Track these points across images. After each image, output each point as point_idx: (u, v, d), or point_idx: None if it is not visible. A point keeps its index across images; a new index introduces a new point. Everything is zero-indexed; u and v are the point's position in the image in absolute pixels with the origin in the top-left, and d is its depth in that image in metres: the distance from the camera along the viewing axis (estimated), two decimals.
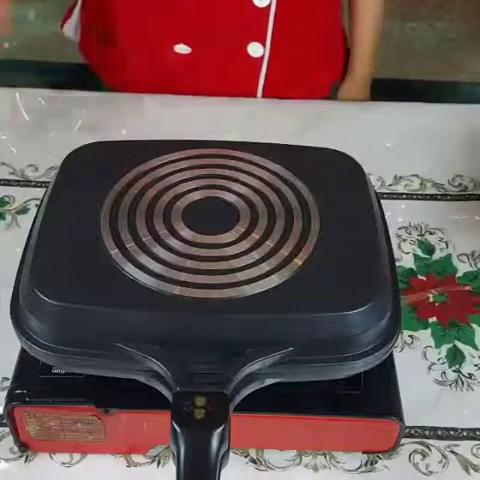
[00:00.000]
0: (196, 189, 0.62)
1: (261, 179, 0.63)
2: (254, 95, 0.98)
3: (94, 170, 0.63)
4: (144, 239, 0.57)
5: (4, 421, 0.59)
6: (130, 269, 0.54)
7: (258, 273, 0.55)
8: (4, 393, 0.58)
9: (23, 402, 0.57)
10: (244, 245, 0.57)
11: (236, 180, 0.62)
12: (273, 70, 0.96)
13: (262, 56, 0.93)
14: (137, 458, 0.61)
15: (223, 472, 0.48)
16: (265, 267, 0.55)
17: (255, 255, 0.56)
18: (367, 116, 0.94)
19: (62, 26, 1.05)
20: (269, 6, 0.89)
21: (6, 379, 0.64)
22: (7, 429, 0.60)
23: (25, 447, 0.61)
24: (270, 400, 0.56)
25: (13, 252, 0.60)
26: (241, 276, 0.54)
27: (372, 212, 0.61)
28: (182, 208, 0.60)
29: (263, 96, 0.98)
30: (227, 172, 0.63)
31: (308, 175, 0.63)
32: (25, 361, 0.58)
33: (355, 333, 0.53)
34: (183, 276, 0.54)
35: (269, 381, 0.54)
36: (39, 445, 0.61)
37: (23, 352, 0.58)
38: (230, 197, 0.61)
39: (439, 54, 2.21)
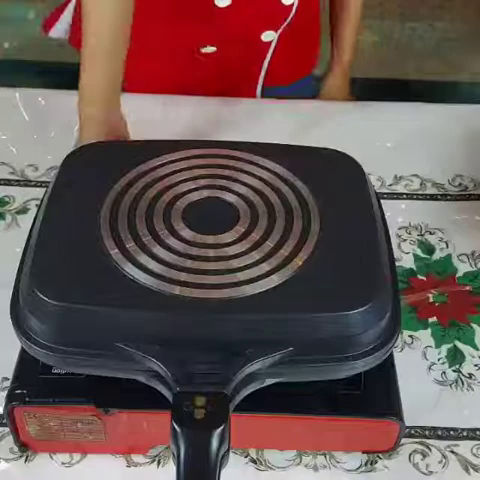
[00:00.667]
0: (196, 189, 0.62)
1: (261, 179, 0.63)
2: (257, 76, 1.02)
3: (94, 170, 0.63)
4: (144, 239, 0.57)
5: (4, 421, 0.59)
6: (130, 269, 0.54)
7: (258, 273, 0.55)
8: (4, 393, 0.58)
9: (23, 402, 0.57)
10: (244, 245, 0.57)
11: (236, 180, 0.62)
12: (279, 51, 1.00)
13: (271, 41, 0.98)
14: (137, 458, 0.61)
15: (223, 472, 0.48)
16: (265, 267, 0.55)
17: (255, 255, 0.56)
18: (367, 116, 0.94)
19: (46, 31, 1.06)
20: (293, 3, 0.94)
21: (6, 379, 0.64)
22: (7, 429, 0.60)
23: (25, 447, 0.61)
24: (270, 400, 0.56)
25: (13, 252, 0.60)
26: (241, 276, 0.54)
27: (372, 212, 0.61)
28: (182, 208, 0.60)
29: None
30: (227, 172, 0.63)
31: (308, 175, 0.63)
32: (25, 361, 0.58)
33: (355, 333, 0.53)
34: (183, 276, 0.54)
35: (269, 381, 0.54)
36: (39, 445, 0.61)
37: (23, 352, 0.58)
38: (230, 197, 0.61)
39: (439, 54, 2.20)
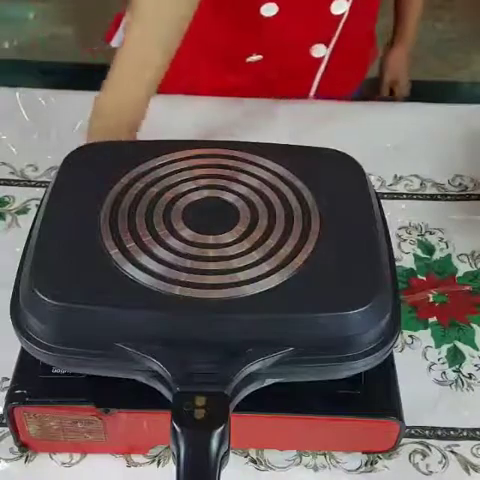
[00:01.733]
0: (196, 189, 0.62)
1: (261, 179, 0.63)
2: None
3: (94, 170, 0.63)
4: (144, 239, 0.57)
5: (4, 421, 0.59)
6: (130, 269, 0.54)
7: (258, 273, 0.55)
8: (4, 393, 0.58)
9: (23, 402, 0.57)
10: (244, 245, 0.57)
11: (236, 180, 0.62)
12: (332, 68, 1.01)
13: (323, 56, 0.99)
14: (137, 458, 0.61)
15: (223, 472, 0.48)
16: (265, 267, 0.55)
17: (255, 255, 0.56)
18: (367, 116, 0.94)
19: (108, 40, 1.05)
20: (343, 14, 0.94)
21: (6, 379, 0.64)
22: (7, 429, 0.60)
23: (25, 447, 0.61)
24: (270, 400, 0.56)
25: (13, 252, 0.60)
26: (241, 276, 0.54)
27: (372, 212, 0.61)
28: (182, 208, 0.60)
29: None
30: (227, 172, 0.63)
31: (308, 175, 0.63)
32: (25, 361, 0.58)
33: (355, 333, 0.53)
34: (183, 276, 0.54)
35: (269, 381, 0.54)
36: (39, 445, 0.61)
37: (23, 352, 0.58)
38: (230, 197, 0.61)
39: (439, 54, 2.21)
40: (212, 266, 0.55)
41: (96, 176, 0.62)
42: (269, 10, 0.91)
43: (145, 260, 0.55)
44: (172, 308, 0.53)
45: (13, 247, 0.62)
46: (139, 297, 0.53)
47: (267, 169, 0.63)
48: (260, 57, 0.96)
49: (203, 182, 0.62)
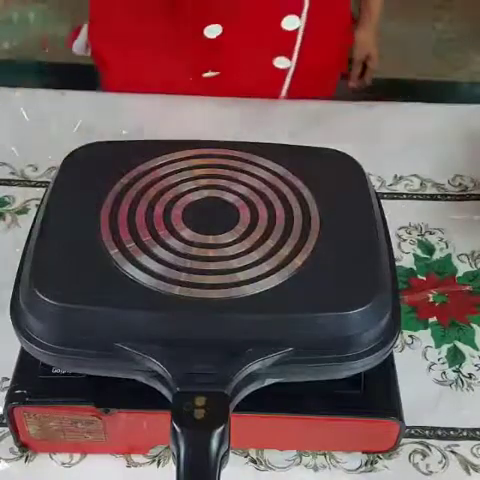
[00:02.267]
0: (196, 189, 0.62)
1: (261, 179, 0.63)
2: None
3: (94, 170, 0.63)
4: (144, 239, 0.57)
5: (4, 421, 0.59)
6: (130, 269, 0.54)
7: (258, 273, 0.55)
8: (4, 393, 0.58)
9: (23, 402, 0.57)
10: (244, 245, 0.57)
11: (236, 180, 0.62)
12: (299, 77, 1.00)
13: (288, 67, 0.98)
14: (137, 458, 0.61)
15: (223, 472, 0.48)
16: (265, 267, 0.55)
17: (255, 255, 0.56)
18: (367, 116, 0.94)
19: (69, 45, 1.06)
20: (297, 29, 0.94)
21: (6, 379, 0.64)
22: (7, 429, 0.60)
23: (25, 447, 0.61)
24: (270, 400, 0.56)
25: (13, 252, 0.60)
26: (241, 276, 0.54)
27: (372, 212, 0.61)
28: (182, 208, 0.60)
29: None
30: (227, 172, 0.63)
31: (308, 175, 0.63)
32: (25, 361, 0.58)
33: (355, 333, 0.53)
34: (183, 276, 0.54)
35: (269, 381, 0.54)
36: (39, 445, 0.61)
37: (23, 352, 0.58)
38: (230, 197, 0.61)
39: (439, 54, 2.21)
40: (212, 266, 0.55)
41: (96, 176, 0.62)
42: (212, 31, 0.91)
43: (145, 260, 0.55)
44: (172, 308, 0.53)
45: (13, 247, 0.62)
46: (139, 297, 0.53)
47: (267, 169, 0.63)
48: (217, 73, 0.96)
49: (203, 182, 0.62)
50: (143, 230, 0.57)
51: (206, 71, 0.96)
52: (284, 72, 0.98)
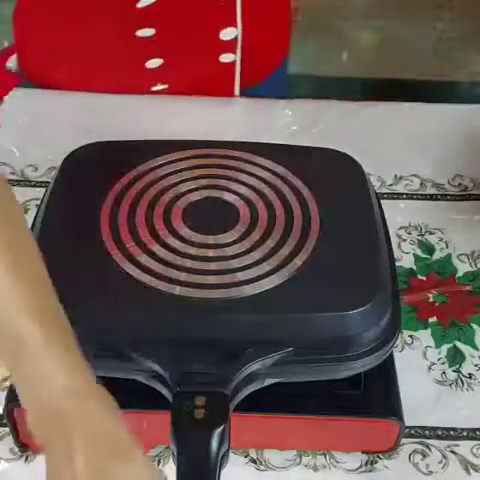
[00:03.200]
0: (196, 189, 0.62)
1: (261, 179, 0.63)
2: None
3: (94, 170, 0.63)
4: (144, 239, 0.57)
5: (4, 421, 0.59)
6: (130, 269, 0.54)
7: (258, 273, 0.55)
8: (4, 393, 0.58)
9: None
10: (244, 245, 0.57)
11: (236, 180, 0.62)
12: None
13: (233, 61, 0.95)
14: None
15: (223, 472, 0.48)
16: (265, 267, 0.55)
17: (255, 255, 0.56)
18: (367, 116, 0.94)
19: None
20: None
21: (6, 379, 0.64)
22: (7, 429, 0.60)
23: (25, 447, 0.61)
24: (270, 400, 0.56)
25: None
26: (241, 276, 0.54)
27: (372, 212, 0.61)
28: (182, 208, 0.60)
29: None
30: (227, 172, 0.63)
31: (308, 175, 0.63)
32: None
33: (355, 333, 0.53)
34: (183, 276, 0.54)
35: (269, 381, 0.54)
36: (39, 445, 0.61)
37: None
38: (230, 197, 0.61)
39: (439, 54, 2.21)
40: (212, 266, 0.55)
41: (96, 176, 0.62)
42: (154, 64, 0.91)
43: (145, 260, 0.55)
44: (172, 308, 0.53)
45: None
46: (139, 297, 0.53)
47: (267, 169, 0.64)
48: (165, 86, 0.95)
49: (203, 182, 0.62)
50: (143, 230, 0.58)
51: (156, 84, 0.96)
52: (231, 65, 0.96)
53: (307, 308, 0.53)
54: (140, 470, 0.44)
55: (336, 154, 0.66)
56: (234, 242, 0.57)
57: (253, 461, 0.61)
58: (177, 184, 0.62)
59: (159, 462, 0.61)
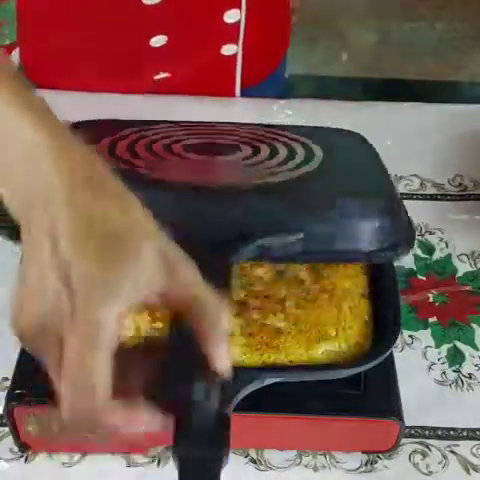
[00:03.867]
0: (196, 138, 0.62)
1: (265, 136, 0.62)
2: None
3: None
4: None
5: (4, 421, 0.59)
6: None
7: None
8: (4, 393, 0.58)
9: (23, 402, 0.57)
10: (254, 159, 0.57)
11: (237, 134, 0.62)
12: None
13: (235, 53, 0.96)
14: (137, 458, 0.61)
15: (223, 472, 0.48)
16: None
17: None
18: (367, 116, 0.94)
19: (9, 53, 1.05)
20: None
21: (6, 379, 0.64)
22: (7, 429, 0.60)
23: (25, 447, 0.61)
24: (270, 400, 0.56)
25: (13, 252, 0.59)
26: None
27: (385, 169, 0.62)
28: (182, 147, 0.59)
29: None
30: (225, 132, 0.63)
31: (318, 138, 0.63)
32: (25, 361, 0.58)
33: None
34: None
35: (269, 381, 0.54)
36: (39, 445, 0.61)
37: (23, 352, 0.58)
38: (229, 141, 0.61)
39: (439, 54, 2.21)
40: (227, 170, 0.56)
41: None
42: (158, 42, 0.91)
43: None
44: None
45: (13, 247, 0.62)
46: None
47: (274, 133, 0.63)
48: (167, 74, 0.96)
49: (204, 137, 0.62)
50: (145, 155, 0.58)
51: (158, 73, 0.96)
52: (233, 57, 0.96)
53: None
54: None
55: (350, 132, 0.66)
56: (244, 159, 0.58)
57: (253, 461, 0.61)
58: (174, 135, 0.62)
59: (159, 462, 0.61)
